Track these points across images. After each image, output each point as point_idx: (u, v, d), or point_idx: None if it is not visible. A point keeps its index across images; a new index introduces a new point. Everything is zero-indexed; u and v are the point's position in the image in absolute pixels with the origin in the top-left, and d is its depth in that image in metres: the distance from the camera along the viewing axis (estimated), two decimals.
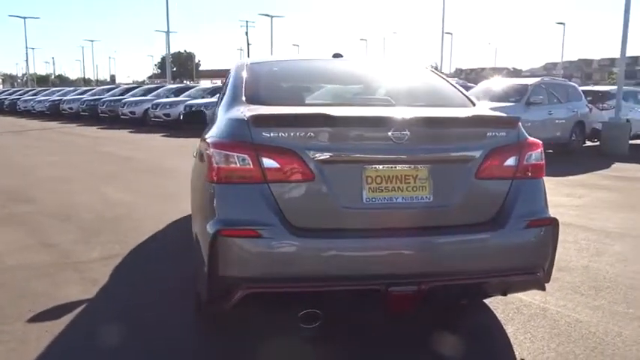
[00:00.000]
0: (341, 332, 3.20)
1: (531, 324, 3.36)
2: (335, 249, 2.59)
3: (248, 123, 2.65)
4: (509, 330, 3.29)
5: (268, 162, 2.59)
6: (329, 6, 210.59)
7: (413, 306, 2.73)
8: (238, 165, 2.61)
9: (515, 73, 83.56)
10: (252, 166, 2.59)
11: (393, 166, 2.68)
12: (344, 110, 2.71)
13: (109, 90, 28.84)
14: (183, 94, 22.35)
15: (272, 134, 2.61)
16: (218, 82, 48.93)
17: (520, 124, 2.96)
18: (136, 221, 5.97)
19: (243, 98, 3.12)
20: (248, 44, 62.66)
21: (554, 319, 3.45)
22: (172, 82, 53.45)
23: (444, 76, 3.85)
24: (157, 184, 8.43)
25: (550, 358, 2.96)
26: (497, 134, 2.81)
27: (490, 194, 2.80)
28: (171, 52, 54.87)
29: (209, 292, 2.67)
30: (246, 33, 61.36)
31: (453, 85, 3.63)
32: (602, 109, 14.31)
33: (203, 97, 20.51)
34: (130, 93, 25.96)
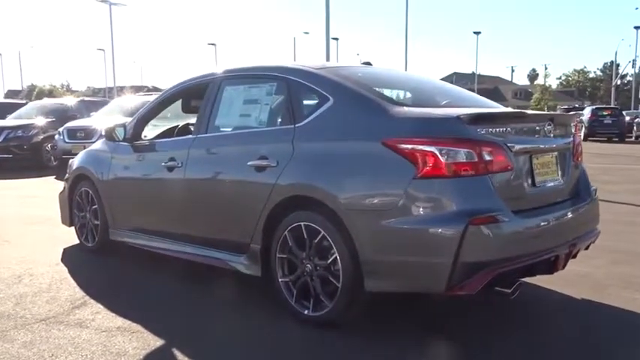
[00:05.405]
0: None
1: (536, 279, 4.28)
2: (543, 225, 3.10)
3: (463, 121, 2.89)
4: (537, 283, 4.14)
5: (486, 155, 2.89)
6: None
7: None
8: (466, 160, 2.85)
9: (156, 91, 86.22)
10: (477, 160, 2.86)
11: (544, 154, 3.30)
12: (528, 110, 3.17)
13: None
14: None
15: (483, 131, 2.94)
16: None
17: None
18: (17, 269, 4.69)
19: (381, 101, 3.21)
20: None
21: None
22: None
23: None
24: None
25: (588, 294, 3.94)
26: (573, 127, 3.68)
27: (577, 173, 3.66)
28: None
29: (450, 280, 2.80)
30: None
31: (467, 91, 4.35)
32: None
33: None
34: None
